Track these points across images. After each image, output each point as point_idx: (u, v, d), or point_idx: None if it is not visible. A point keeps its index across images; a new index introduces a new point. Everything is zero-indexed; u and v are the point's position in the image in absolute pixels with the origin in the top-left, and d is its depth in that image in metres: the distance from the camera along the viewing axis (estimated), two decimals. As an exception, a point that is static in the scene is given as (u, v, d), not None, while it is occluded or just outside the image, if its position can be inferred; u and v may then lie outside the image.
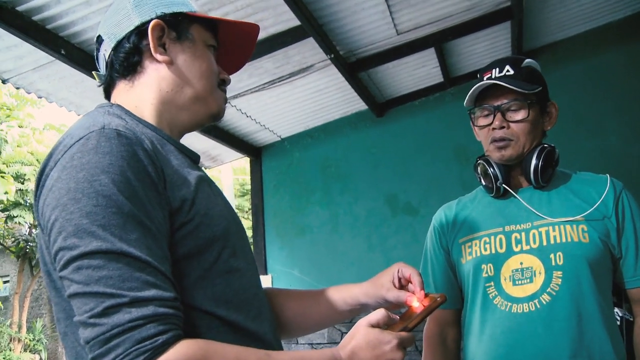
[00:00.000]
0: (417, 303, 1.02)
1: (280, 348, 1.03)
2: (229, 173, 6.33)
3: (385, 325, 0.92)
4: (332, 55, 3.43)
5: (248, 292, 0.96)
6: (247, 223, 10.24)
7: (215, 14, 2.88)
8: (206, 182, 0.98)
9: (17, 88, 3.12)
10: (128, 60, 1.00)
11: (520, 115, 1.42)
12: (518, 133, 1.42)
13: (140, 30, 0.99)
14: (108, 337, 0.74)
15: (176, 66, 1.01)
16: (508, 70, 1.43)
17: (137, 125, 0.94)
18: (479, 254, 1.46)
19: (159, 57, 0.99)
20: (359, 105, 4.49)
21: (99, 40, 1.04)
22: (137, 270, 0.77)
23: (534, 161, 1.42)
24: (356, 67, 3.83)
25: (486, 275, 1.44)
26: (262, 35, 3.19)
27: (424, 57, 3.96)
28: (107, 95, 1.06)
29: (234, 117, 4.23)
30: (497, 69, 1.44)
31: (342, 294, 1.16)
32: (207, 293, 0.89)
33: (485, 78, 1.45)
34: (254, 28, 1.12)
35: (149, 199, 0.82)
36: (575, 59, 4.26)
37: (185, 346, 0.78)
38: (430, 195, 4.40)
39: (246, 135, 4.66)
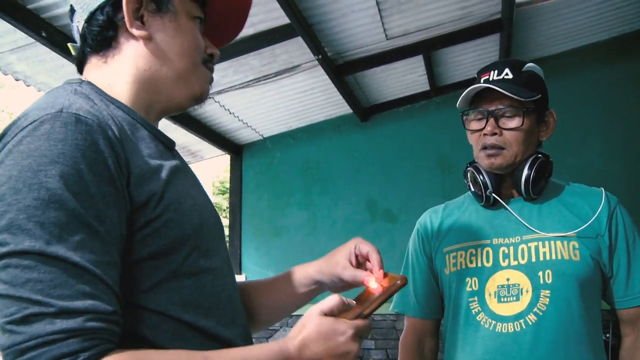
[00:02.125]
0: (375, 284, 0.93)
1: None
2: (209, 170, 6.26)
3: (344, 310, 0.84)
4: (320, 56, 3.40)
5: (221, 296, 0.88)
6: (224, 222, 10.15)
7: (203, 6, 2.82)
8: (181, 173, 0.89)
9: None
10: (102, 34, 0.89)
11: (515, 122, 1.33)
12: (510, 141, 1.34)
13: (115, 1, 0.88)
14: (23, 349, 0.65)
15: (155, 42, 0.90)
16: (507, 74, 1.35)
17: (108, 107, 0.84)
18: (463, 266, 1.38)
19: (135, 32, 0.89)
20: (344, 108, 4.46)
21: (72, 10, 0.93)
22: (72, 277, 0.68)
23: (525, 172, 1.34)
24: (343, 70, 3.80)
25: (470, 289, 1.36)
26: (249, 31, 3.15)
27: (412, 64, 3.94)
28: (80, 70, 0.95)
29: (216, 112, 4.16)
30: (496, 71, 1.36)
31: (298, 275, 1.08)
32: (174, 297, 0.81)
33: (482, 80, 1.37)
34: (245, 1, 1.03)
35: (102, 197, 0.73)
36: (561, 76, 4.28)
37: None
38: (411, 202, 4.39)
39: (228, 132, 4.60)
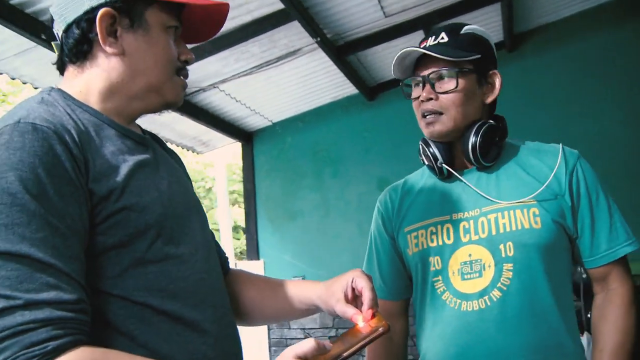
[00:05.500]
0: (362, 323, 0.95)
1: (228, 335, 1.00)
2: (224, 157, 6.33)
3: (317, 353, 0.86)
4: (319, 39, 3.40)
5: (189, 279, 0.93)
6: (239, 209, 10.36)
7: (196, -3, 2.84)
8: (149, 167, 0.95)
9: (0, 73, 3.11)
10: (77, 47, 0.94)
11: (449, 85, 1.29)
12: (447, 105, 1.29)
13: (90, 17, 0.92)
14: None
15: (128, 56, 0.95)
16: (442, 38, 1.31)
17: (74, 111, 0.90)
18: (425, 246, 1.35)
19: (108, 49, 0.93)
20: (350, 89, 4.45)
21: (52, 17, 0.98)
22: (37, 272, 0.74)
23: (471, 139, 1.29)
24: (344, 51, 3.79)
25: (434, 268, 1.33)
26: (246, 18, 3.16)
27: (414, 40, 3.90)
28: (62, 73, 1.01)
29: (222, 101, 4.20)
30: (433, 37, 1.33)
31: (299, 292, 1.14)
32: (139, 282, 0.87)
33: (421, 47, 1.33)
34: (223, 5, 1.04)
35: (61, 196, 0.79)
36: (569, 41, 4.20)
37: (77, 355, 0.74)
38: (421, 179, 4.36)
39: (237, 120, 4.64)
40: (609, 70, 4.12)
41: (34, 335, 0.72)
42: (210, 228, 1.10)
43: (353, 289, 1.04)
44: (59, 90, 0.95)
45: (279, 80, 4.06)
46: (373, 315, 0.96)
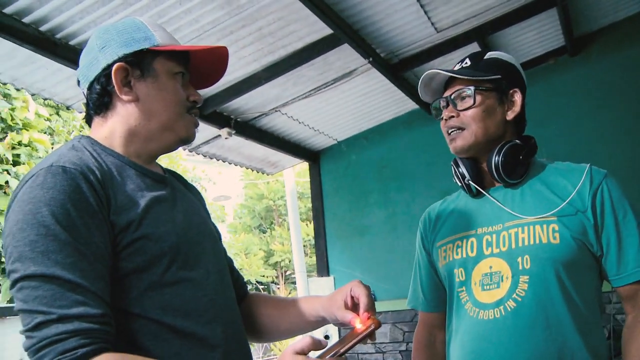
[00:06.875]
0: (360, 325, 1.05)
1: (237, 349, 1.10)
2: (291, 177, 6.50)
3: (315, 349, 0.94)
4: (371, 59, 3.48)
5: (201, 300, 1.05)
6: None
7: (249, 29, 3.02)
8: (166, 202, 1.09)
9: (80, 112, 3.43)
10: (99, 100, 1.11)
11: (468, 102, 1.38)
12: (468, 121, 1.39)
13: (107, 73, 1.08)
14: (38, 348, 0.86)
15: (142, 102, 1.10)
16: (466, 63, 1.44)
17: (100, 155, 1.06)
18: (451, 258, 1.44)
19: (124, 97, 1.09)
20: (410, 104, 4.48)
21: (78, 80, 1.15)
22: (68, 291, 0.89)
23: (494, 158, 1.38)
24: (399, 68, 3.84)
25: (458, 280, 1.41)
26: (298, 45, 3.30)
27: (469, 53, 3.88)
28: (90, 124, 1.16)
29: (286, 124, 4.37)
30: (459, 63, 1.46)
31: (308, 306, 1.24)
32: (156, 302, 0.99)
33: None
34: (222, 49, 1.19)
35: (87, 227, 0.94)
36: (635, 40, 4.02)
37: (102, 359, 0.87)
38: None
39: (302, 140, 4.80)
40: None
41: (66, 344, 0.86)
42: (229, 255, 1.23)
43: (352, 298, 1.13)
44: (88, 137, 1.11)
45: (338, 101, 4.18)
46: (369, 318, 1.06)
